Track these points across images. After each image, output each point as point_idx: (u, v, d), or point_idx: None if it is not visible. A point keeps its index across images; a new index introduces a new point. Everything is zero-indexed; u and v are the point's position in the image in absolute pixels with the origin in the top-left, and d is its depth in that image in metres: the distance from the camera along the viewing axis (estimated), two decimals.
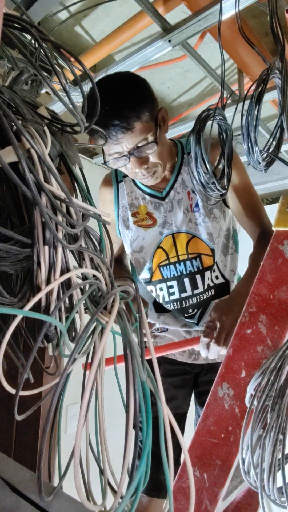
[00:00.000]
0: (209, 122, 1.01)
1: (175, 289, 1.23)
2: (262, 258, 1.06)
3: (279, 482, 0.54)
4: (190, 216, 1.18)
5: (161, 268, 1.23)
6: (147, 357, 0.51)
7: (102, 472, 0.45)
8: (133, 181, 1.24)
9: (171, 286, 1.23)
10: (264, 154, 0.89)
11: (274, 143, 0.89)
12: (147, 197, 1.22)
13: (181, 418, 1.27)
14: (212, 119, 0.99)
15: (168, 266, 1.22)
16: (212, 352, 1.01)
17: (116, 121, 0.95)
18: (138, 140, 0.99)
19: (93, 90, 0.57)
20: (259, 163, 0.90)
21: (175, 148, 1.21)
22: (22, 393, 0.43)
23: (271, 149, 0.90)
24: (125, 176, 1.25)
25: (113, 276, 0.54)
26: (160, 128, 1.05)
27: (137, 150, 1.01)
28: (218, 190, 1.04)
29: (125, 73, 1.06)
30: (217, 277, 1.23)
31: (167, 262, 1.22)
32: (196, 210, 1.17)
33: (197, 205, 1.17)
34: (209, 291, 1.22)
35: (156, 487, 1.14)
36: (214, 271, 1.22)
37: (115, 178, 1.27)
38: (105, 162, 1.07)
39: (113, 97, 0.96)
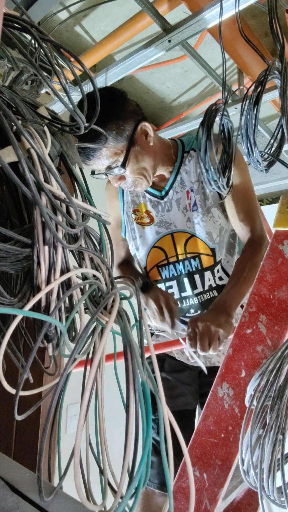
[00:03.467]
0: (217, 118, 1.01)
1: (175, 289, 1.23)
2: (243, 269, 1.07)
3: (279, 482, 0.54)
4: (188, 215, 1.18)
5: (160, 269, 1.23)
6: (146, 355, 0.51)
7: (102, 472, 0.45)
8: None
9: (170, 287, 1.23)
10: (265, 154, 0.89)
11: (275, 143, 0.89)
12: (147, 195, 1.23)
13: (191, 415, 1.27)
14: (222, 113, 1.00)
15: (167, 266, 1.22)
16: (201, 357, 1.02)
17: (83, 150, 0.98)
18: (107, 163, 1.03)
19: (94, 91, 0.57)
20: (259, 163, 0.90)
21: (175, 148, 1.21)
22: (22, 393, 0.43)
23: (272, 149, 0.90)
24: None
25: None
26: (136, 144, 1.05)
27: (108, 170, 1.04)
28: (223, 187, 1.04)
29: (91, 95, 1.05)
30: (221, 278, 1.22)
31: (165, 262, 1.22)
32: (194, 209, 1.18)
33: (195, 204, 1.17)
34: (211, 292, 1.21)
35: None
36: (218, 271, 1.21)
37: None
38: (91, 174, 1.10)
39: None
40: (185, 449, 0.40)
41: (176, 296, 1.23)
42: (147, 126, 1.09)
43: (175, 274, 1.22)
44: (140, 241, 1.24)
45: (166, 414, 0.39)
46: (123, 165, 1.03)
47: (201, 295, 1.21)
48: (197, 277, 1.20)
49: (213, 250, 1.18)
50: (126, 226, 1.28)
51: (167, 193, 1.20)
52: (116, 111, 1.02)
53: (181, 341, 1.03)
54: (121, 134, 1.01)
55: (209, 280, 1.20)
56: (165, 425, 0.39)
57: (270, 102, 2.08)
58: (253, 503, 0.81)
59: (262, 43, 1.87)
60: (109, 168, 1.04)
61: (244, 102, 0.87)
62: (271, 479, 0.55)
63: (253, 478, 0.57)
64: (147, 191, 1.23)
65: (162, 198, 1.21)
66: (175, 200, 1.19)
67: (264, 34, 1.90)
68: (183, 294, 1.22)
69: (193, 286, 1.20)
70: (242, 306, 1.18)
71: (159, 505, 1.15)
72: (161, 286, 1.24)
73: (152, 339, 1.32)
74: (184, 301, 1.22)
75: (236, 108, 1.85)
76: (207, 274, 1.20)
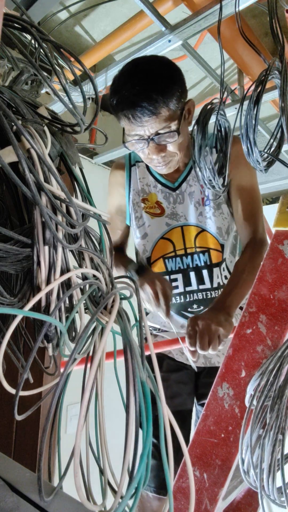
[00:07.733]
0: (213, 117, 1.01)
1: (179, 282, 1.22)
2: (243, 271, 1.06)
3: (279, 482, 0.54)
4: (201, 209, 1.18)
5: (166, 260, 1.22)
6: (146, 353, 0.51)
7: (102, 472, 0.45)
8: (147, 168, 1.24)
9: (175, 279, 1.22)
10: (264, 154, 0.89)
11: (275, 143, 0.89)
12: (159, 185, 1.22)
13: (186, 416, 1.26)
14: (217, 112, 0.99)
15: (173, 259, 1.21)
16: (201, 357, 1.00)
17: (143, 103, 0.94)
18: (161, 126, 0.99)
19: (94, 91, 0.57)
20: (259, 163, 0.90)
21: (192, 141, 1.21)
22: (22, 393, 0.43)
23: (272, 149, 0.90)
24: (138, 161, 1.24)
25: (114, 264, 0.54)
26: (184, 119, 1.04)
27: (158, 136, 1.00)
28: (219, 187, 1.04)
29: (161, 57, 1.04)
30: (226, 277, 1.21)
31: (173, 254, 1.21)
32: (207, 203, 1.17)
33: (208, 198, 1.17)
34: (219, 290, 1.20)
35: (165, 485, 1.14)
36: (224, 270, 1.20)
37: (128, 162, 1.26)
38: (124, 142, 1.06)
39: (144, 78, 0.95)
40: (185, 449, 0.40)
41: (180, 289, 1.21)
42: (194, 103, 1.08)
43: (182, 267, 1.20)
44: (147, 230, 1.23)
45: (166, 414, 0.39)
46: (178, 131, 1.00)
47: (207, 292, 1.20)
48: (205, 272, 1.19)
49: (222, 246, 1.18)
50: (131, 214, 1.26)
51: (180, 184, 1.19)
52: (181, 76, 1.02)
53: (180, 341, 1.02)
54: (180, 100, 1.00)
55: (217, 277, 1.19)
56: (165, 425, 0.39)
57: (270, 102, 2.08)
58: (253, 503, 0.81)
59: (262, 43, 1.87)
60: (157, 134, 1.00)
61: (242, 102, 0.87)
62: (271, 479, 0.55)
63: (253, 478, 0.57)
64: (159, 182, 1.21)
65: (174, 189, 1.20)
66: (188, 193, 1.18)
67: (264, 34, 1.90)
68: (188, 289, 1.21)
69: (200, 281, 1.19)
70: (241, 308, 1.18)
71: (153, 509, 1.14)
72: (166, 278, 1.23)
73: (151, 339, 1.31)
74: (188, 295, 1.21)
75: (236, 108, 1.85)
76: (216, 271, 1.19)
